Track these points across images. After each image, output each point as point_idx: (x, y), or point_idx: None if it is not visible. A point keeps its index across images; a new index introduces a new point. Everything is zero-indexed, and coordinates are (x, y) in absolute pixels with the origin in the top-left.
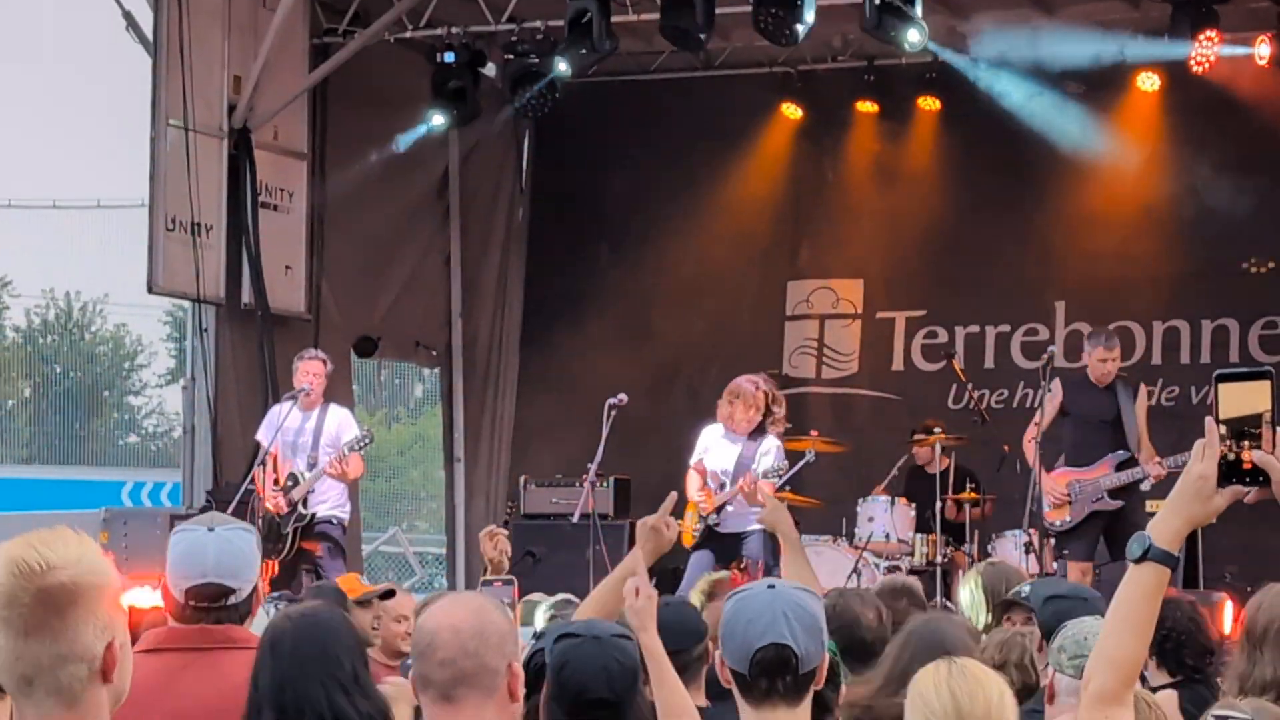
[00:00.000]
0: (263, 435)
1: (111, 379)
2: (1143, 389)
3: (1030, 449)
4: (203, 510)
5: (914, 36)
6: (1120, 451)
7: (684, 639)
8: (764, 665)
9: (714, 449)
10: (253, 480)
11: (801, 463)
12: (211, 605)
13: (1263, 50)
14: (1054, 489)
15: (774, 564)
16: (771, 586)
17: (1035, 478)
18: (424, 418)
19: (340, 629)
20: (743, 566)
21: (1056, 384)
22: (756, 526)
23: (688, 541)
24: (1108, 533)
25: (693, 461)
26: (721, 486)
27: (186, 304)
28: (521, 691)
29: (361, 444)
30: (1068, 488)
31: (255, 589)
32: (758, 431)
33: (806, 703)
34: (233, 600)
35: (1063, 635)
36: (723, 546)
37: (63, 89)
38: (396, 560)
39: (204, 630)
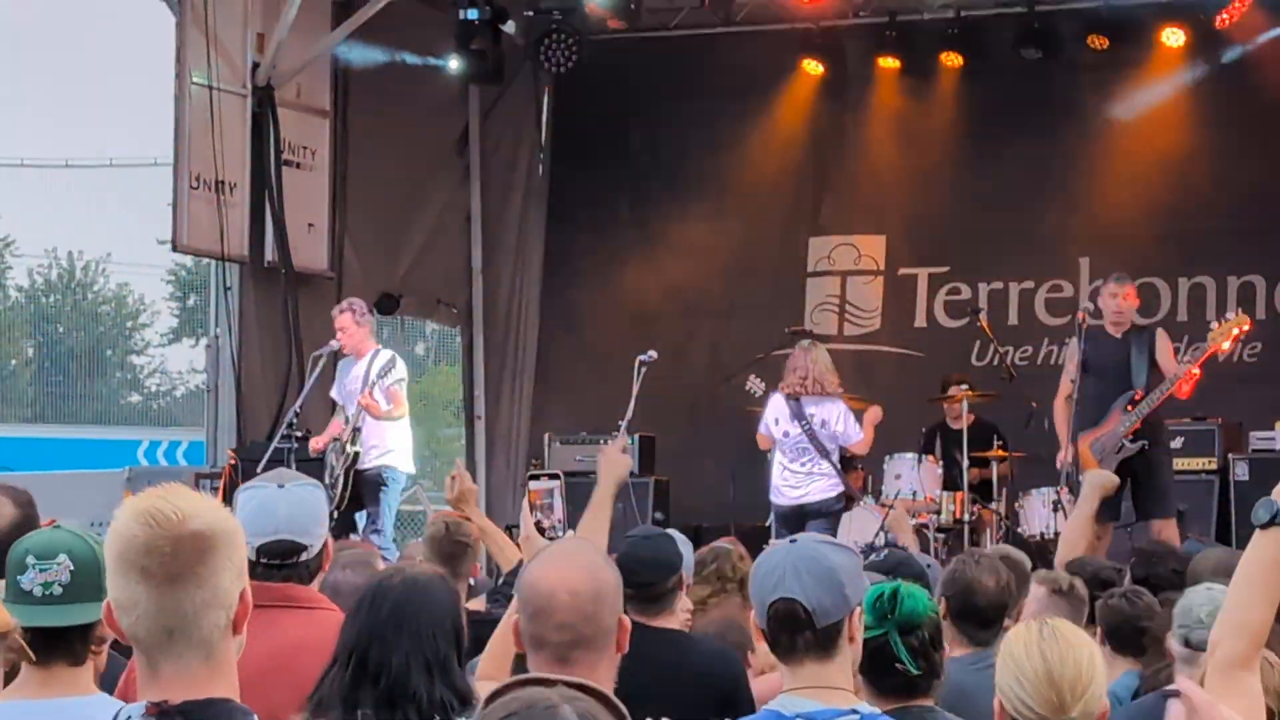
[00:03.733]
0: (335, 393)
1: (114, 338)
2: (1160, 333)
3: (1059, 413)
4: (230, 469)
5: None
6: (1125, 394)
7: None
8: (777, 619)
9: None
10: (288, 435)
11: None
12: (284, 562)
13: None
14: (1085, 455)
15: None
16: (793, 541)
17: (1064, 441)
18: (427, 376)
19: (443, 603)
20: None
21: (1074, 341)
22: None
23: None
24: (1133, 494)
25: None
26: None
27: (190, 263)
28: (627, 642)
29: (384, 373)
30: (1091, 449)
31: (325, 545)
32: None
33: (840, 657)
34: (304, 557)
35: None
36: None
37: (79, 49)
38: (415, 518)
39: (262, 587)
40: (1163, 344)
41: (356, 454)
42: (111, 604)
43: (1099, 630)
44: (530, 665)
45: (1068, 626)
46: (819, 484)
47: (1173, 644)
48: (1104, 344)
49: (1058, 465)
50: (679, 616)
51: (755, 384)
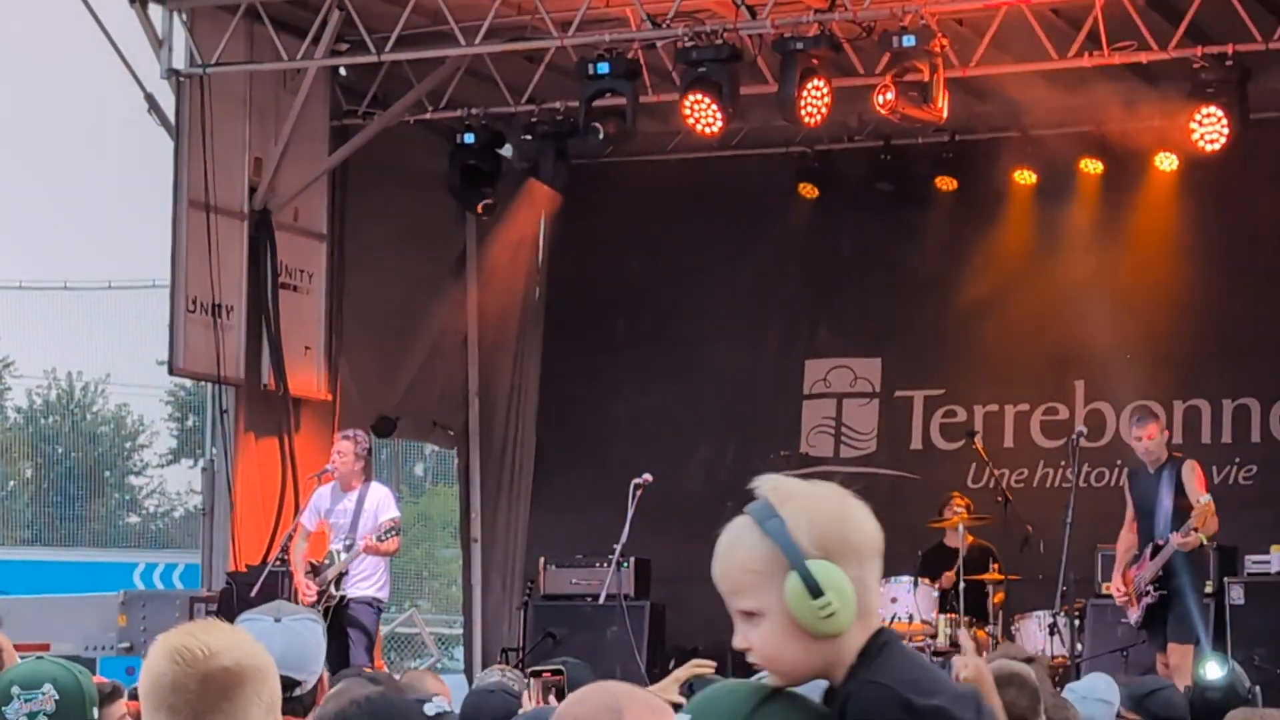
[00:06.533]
0: (305, 518)
1: (113, 459)
2: (1187, 464)
3: (1119, 543)
4: (222, 593)
5: None
6: (1152, 542)
7: None
8: None
9: None
10: (284, 560)
11: None
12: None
13: None
14: (1117, 587)
15: None
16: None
17: (1117, 571)
18: (425, 496)
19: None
20: None
21: (1125, 477)
22: None
23: None
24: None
25: None
26: None
27: (189, 384)
28: None
29: (385, 536)
30: (1133, 584)
31: (320, 680)
32: None
33: None
34: (298, 693)
35: None
36: None
37: (78, 172)
38: (412, 641)
39: None
40: (1188, 475)
41: (342, 598)
42: None
43: None
44: None
45: None
46: None
47: None
48: (1143, 481)
49: (1111, 592)
50: None
51: None
